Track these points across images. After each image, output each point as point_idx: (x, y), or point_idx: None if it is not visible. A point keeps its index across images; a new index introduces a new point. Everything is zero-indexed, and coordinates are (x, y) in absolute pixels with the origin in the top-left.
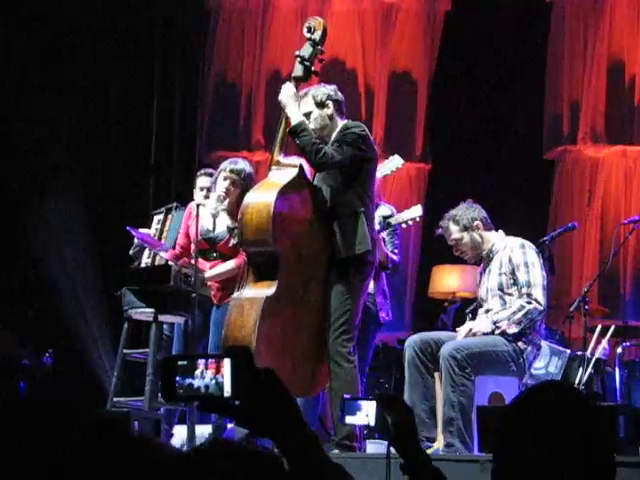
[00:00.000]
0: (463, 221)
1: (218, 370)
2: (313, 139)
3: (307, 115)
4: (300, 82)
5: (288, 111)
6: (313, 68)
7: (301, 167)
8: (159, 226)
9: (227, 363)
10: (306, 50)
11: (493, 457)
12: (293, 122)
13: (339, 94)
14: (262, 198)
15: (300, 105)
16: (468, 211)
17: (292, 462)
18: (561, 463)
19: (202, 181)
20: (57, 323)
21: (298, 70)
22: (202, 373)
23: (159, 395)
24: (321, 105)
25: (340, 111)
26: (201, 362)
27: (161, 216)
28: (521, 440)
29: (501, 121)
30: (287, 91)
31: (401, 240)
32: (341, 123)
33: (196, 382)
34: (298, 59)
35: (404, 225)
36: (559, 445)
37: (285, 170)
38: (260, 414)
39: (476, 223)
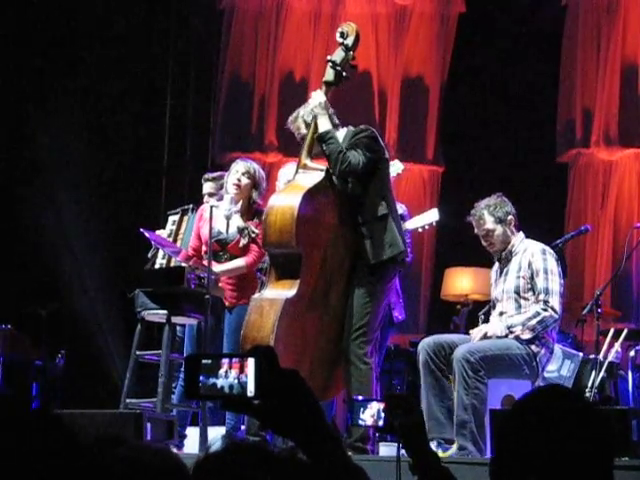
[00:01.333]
0: (499, 213)
1: (242, 370)
2: (340, 147)
3: (302, 138)
4: (331, 86)
5: (318, 119)
6: (344, 73)
7: (328, 171)
8: (174, 227)
9: (251, 363)
10: (338, 55)
11: (492, 459)
12: (321, 129)
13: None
14: (287, 200)
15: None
16: (503, 204)
17: (314, 463)
18: (562, 466)
19: (205, 187)
20: (70, 324)
21: (329, 75)
22: (226, 373)
23: (172, 397)
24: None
25: (333, 123)
26: (225, 361)
27: (176, 217)
28: (522, 443)
29: (514, 123)
30: (318, 98)
31: (412, 240)
32: (342, 131)
33: (220, 381)
34: (330, 64)
35: (420, 229)
36: (560, 448)
37: (312, 173)
38: (283, 415)
39: (510, 218)
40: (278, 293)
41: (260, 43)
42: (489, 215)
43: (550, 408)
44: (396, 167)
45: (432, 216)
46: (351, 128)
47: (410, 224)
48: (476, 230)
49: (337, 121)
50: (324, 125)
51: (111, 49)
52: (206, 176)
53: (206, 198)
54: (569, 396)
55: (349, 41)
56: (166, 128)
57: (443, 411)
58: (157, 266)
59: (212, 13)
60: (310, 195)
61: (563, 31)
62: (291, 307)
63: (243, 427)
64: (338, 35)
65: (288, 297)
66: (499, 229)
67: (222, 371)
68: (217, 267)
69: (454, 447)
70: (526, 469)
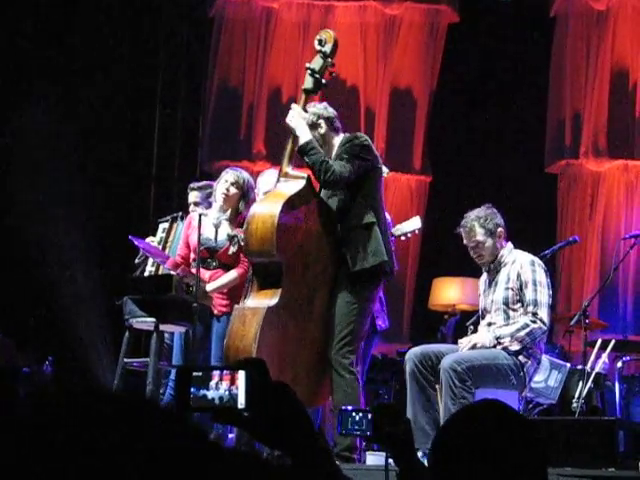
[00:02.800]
0: (489, 225)
1: (233, 382)
2: (322, 157)
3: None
4: (310, 94)
5: (297, 131)
6: (324, 81)
7: (309, 179)
8: (164, 234)
9: (242, 375)
10: (317, 63)
11: (432, 475)
12: (302, 141)
13: (329, 110)
14: (267, 209)
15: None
16: (493, 216)
17: (304, 475)
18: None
19: (192, 196)
20: (58, 331)
21: (308, 82)
22: (217, 384)
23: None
24: (313, 126)
25: (334, 127)
26: (216, 373)
27: (166, 224)
28: (458, 458)
29: (503, 134)
30: (296, 111)
31: (396, 248)
32: (339, 138)
33: (210, 393)
34: (308, 71)
35: (403, 237)
36: (496, 462)
37: (293, 182)
38: (273, 427)
39: (500, 230)
40: (260, 302)
41: (249, 52)
42: (480, 227)
43: (481, 423)
44: (415, 223)
45: (414, 224)
46: (347, 134)
47: (395, 231)
48: (465, 241)
49: (338, 125)
50: (304, 136)
51: (100, 55)
52: (192, 185)
53: (192, 207)
54: (504, 410)
55: (327, 48)
56: (155, 135)
57: (429, 421)
58: (146, 274)
59: (201, 22)
60: (290, 203)
61: (552, 41)
62: (273, 315)
63: (231, 435)
64: (316, 42)
65: (270, 305)
66: (489, 241)
67: (213, 383)
68: (210, 286)
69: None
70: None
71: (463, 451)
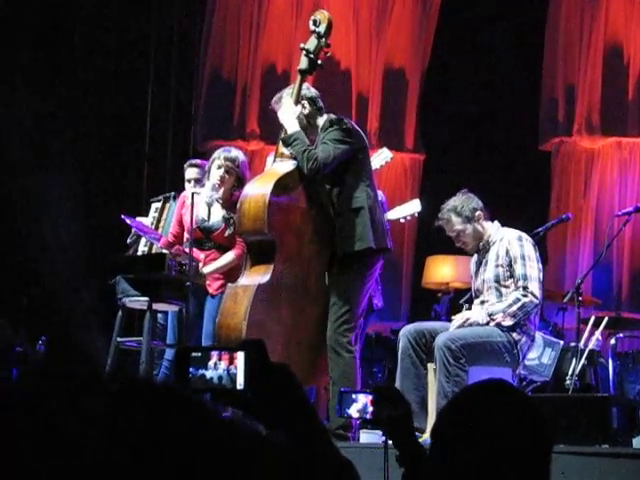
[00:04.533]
0: (465, 212)
1: (231, 362)
2: (304, 147)
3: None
4: (306, 75)
5: (285, 123)
6: (319, 61)
7: None
8: (156, 214)
9: (241, 356)
10: (311, 43)
11: (430, 455)
12: (288, 132)
13: (312, 90)
14: (259, 188)
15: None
16: (468, 201)
17: (303, 455)
18: (496, 462)
19: (190, 173)
20: (51, 310)
21: (304, 63)
22: (215, 364)
23: None
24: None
25: (317, 107)
26: (214, 353)
27: (159, 204)
28: (458, 438)
29: (497, 111)
30: (285, 102)
31: (391, 228)
32: (323, 118)
33: (209, 373)
34: (304, 52)
35: (402, 220)
36: (497, 444)
37: (287, 162)
38: (272, 407)
39: (477, 213)
40: (252, 279)
41: (242, 32)
42: (456, 216)
43: (484, 403)
44: (384, 155)
45: (414, 207)
46: (331, 116)
47: (392, 214)
48: (447, 232)
49: (321, 104)
50: (290, 125)
51: (92, 36)
52: (192, 161)
53: (192, 184)
54: (504, 391)
55: (321, 28)
56: (148, 115)
57: (417, 399)
58: (139, 253)
59: (194, 1)
60: (282, 182)
61: (546, 18)
62: (264, 293)
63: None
64: (311, 23)
65: (261, 283)
66: (469, 228)
67: (211, 363)
68: (207, 268)
69: (425, 435)
70: (461, 466)
71: (468, 433)
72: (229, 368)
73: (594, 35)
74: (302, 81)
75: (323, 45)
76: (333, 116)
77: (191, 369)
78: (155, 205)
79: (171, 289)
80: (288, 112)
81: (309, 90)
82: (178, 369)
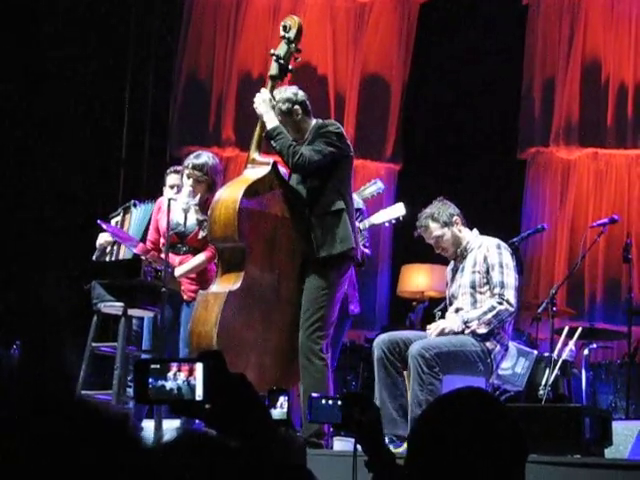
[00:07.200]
0: (443, 218)
1: (191, 373)
2: (289, 142)
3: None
4: (277, 80)
5: (264, 117)
6: (290, 66)
7: (274, 165)
8: (118, 226)
9: (199, 367)
10: (281, 49)
11: (406, 462)
12: (269, 126)
13: (300, 93)
14: (230, 195)
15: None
16: (445, 207)
17: (260, 461)
18: (474, 470)
19: (172, 179)
20: (25, 315)
21: (274, 69)
22: (175, 375)
23: (127, 390)
24: (289, 114)
25: (307, 111)
26: (174, 365)
27: (118, 217)
28: (433, 447)
29: (474, 121)
30: (262, 97)
31: (370, 235)
32: (312, 121)
33: (168, 384)
34: (274, 57)
35: (386, 224)
36: (472, 452)
37: (258, 168)
38: (230, 418)
39: (455, 218)
40: (223, 287)
41: (219, 37)
42: (434, 222)
43: (459, 411)
44: (377, 186)
45: (398, 211)
46: (319, 121)
47: (376, 218)
48: (427, 240)
49: (310, 107)
50: (271, 122)
51: (69, 40)
52: (174, 168)
53: (175, 190)
54: (479, 399)
55: (291, 34)
56: (125, 121)
57: (397, 407)
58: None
59: (172, 6)
60: (253, 188)
61: (525, 28)
62: (235, 299)
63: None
64: (281, 29)
65: (232, 290)
66: (447, 233)
67: (171, 374)
68: (178, 270)
69: (406, 444)
70: (437, 474)
71: (445, 441)
72: (188, 379)
73: (573, 47)
74: (273, 87)
75: (293, 50)
76: (321, 121)
77: (150, 380)
78: (115, 220)
79: (146, 295)
80: (266, 106)
81: (298, 95)
82: (137, 381)
